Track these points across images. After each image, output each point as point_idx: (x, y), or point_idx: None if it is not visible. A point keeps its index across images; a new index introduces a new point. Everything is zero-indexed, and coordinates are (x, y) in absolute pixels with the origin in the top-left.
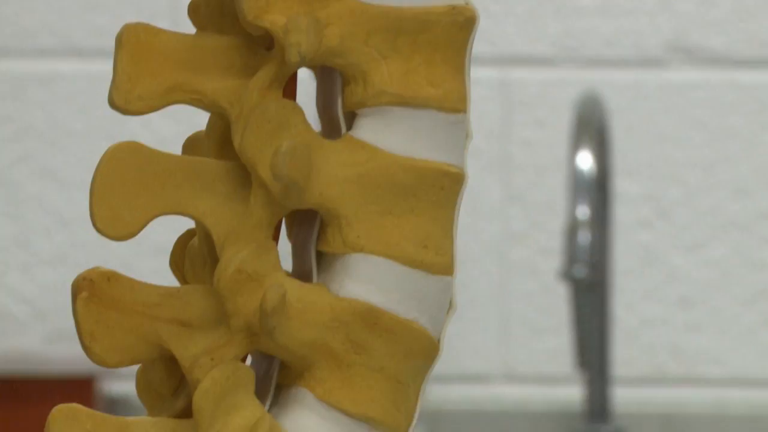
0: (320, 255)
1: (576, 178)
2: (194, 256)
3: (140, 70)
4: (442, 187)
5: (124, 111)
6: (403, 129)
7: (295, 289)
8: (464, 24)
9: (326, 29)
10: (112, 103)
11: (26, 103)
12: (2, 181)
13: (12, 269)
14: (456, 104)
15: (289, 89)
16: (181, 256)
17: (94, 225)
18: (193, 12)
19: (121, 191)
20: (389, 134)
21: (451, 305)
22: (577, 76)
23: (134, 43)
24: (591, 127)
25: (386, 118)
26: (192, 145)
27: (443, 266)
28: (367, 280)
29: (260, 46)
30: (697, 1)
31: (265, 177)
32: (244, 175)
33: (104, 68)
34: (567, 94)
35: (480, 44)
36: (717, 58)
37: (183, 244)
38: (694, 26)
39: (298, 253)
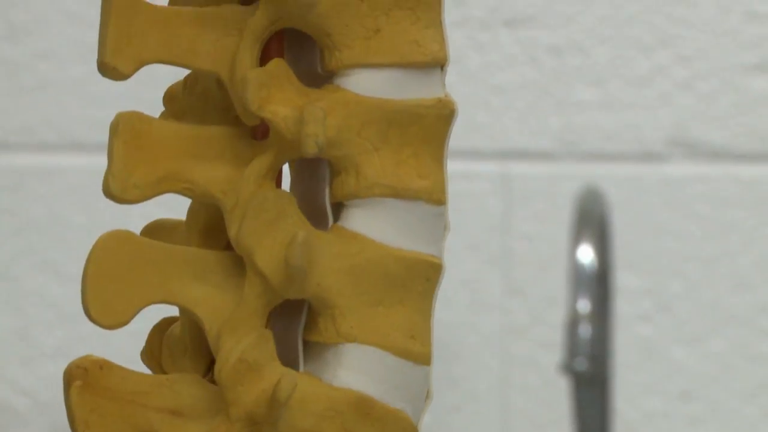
0: (306, 344)
1: (577, 271)
2: (174, 345)
3: (135, 159)
4: (428, 279)
5: (120, 199)
6: (393, 220)
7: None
8: (448, 116)
9: (326, 121)
10: (108, 191)
11: (27, 196)
12: (3, 274)
13: (13, 362)
14: (441, 196)
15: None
16: (158, 345)
17: (87, 314)
18: (170, 101)
19: (114, 280)
20: (380, 225)
21: (428, 395)
22: (578, 170)
23: (129, 132)
24: (591, 221)
25: (377, 210)
26: (155, 231)
27: (426, 357)
28: (360, 370)
29: (248, 135)
30: (697, 96)
31: (264, 267)
32: (232, 264)
33: (105, 163)
34: (567, 188)
35: (480, 138)
36: (717, 152)
37: (160, 332)
38: (695, 120)
39: (280, 342)
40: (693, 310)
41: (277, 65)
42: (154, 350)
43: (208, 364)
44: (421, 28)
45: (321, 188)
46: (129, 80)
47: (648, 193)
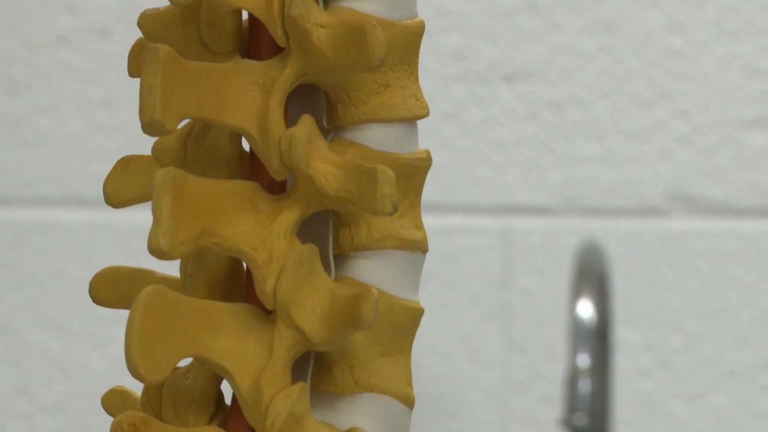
0: (314, 393)
1: (576, 326)
2: (178, 396)
3: (180, 215)
4: (417, 327)
5: (168, 256)
6: (396, 270)
7: (324, 429)
8: (429, 168)
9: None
10: (157, 248)
11: (27, 251)
12: (3, 329)
13: (12, 418)
14: (427, 245)
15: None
16: (156, 396)
17: (134, 369)
18: (162, 153)
19: (156, 335)
20: (385, 276)
21: None
22: (578, 224)
23: (173, 188)
24: (591, 275)
25: (383, 261)
26: (114, 280)
27: (414, 401)
28: (377, 419)
29: (262, 189)
30: (697, 151)
31: (302, 321)
32: (247, 317)
33: (104, 217)
34: (567, 242)
35: (480, 193)
36: (717, 207)
37: (158, 385)
38: (695, 175)
39: None
40: (693, 366)
41: (311, 122)
42: (153, 401)
43: (210, 416)
44: (415, 82)
45: (324, 239)
46: (126, 135)
47: (648, 248)
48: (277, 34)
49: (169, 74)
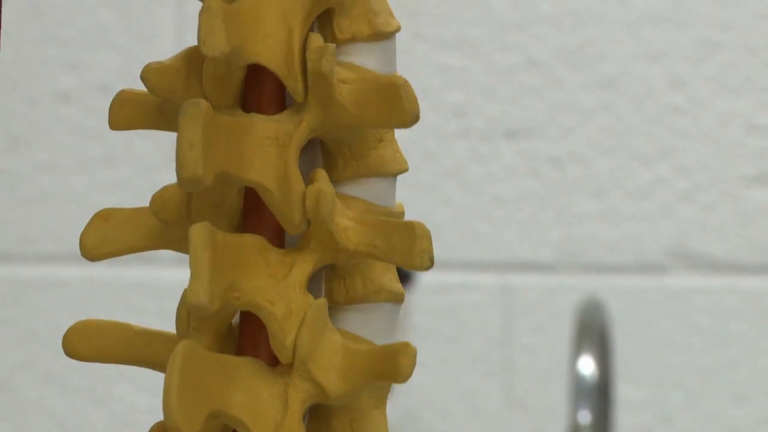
0: None
1: (577, 383)
2: None
3: (214, 270)
4: None
5: (207, 310)
6: (383, 322)
7: None
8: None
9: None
10: (198, 302)
11: (28, 307)
12: (4, 386)
13: None
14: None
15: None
16: None
17: (174, 425)
18: (162, 207)
19: (190, 390)
20: (375, 328)
21: None
22: (578, 281)
23: (210, 242)
24: (592, 332)
25: (374, 313)
26: (94, 334)
27: None
28: None
29: (270, 243)
30: (697, 208)
31: (320, 375)
32: (255, 370)
33: (105, 274)
34: (568, 299)
35: (480, 250)
36: (718, 264)
37: None
38: (695, 232)
39: None
40: (694, 423)
41: (327, 177)
42: None
43: None
44: (394, 136)
45: (316, 291)
46: (127, 192)
47: (648, 304)
48: (296, 88)
49: (206, 129)
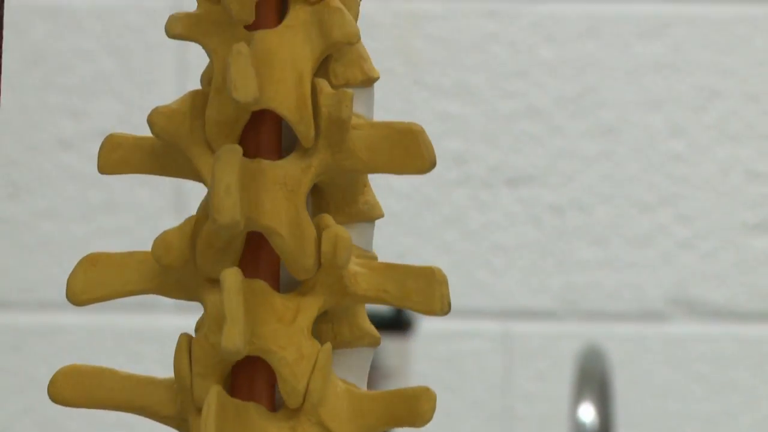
0: None
1: (578, 430)
2: None
3: (245, 315)
4: None
5: (241, 355)
6: (362, 365)
7: None
8: None
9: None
10: (236, 348)
11: (28, 355)
12: None
13: None
14: None
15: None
16: None
17: None
18: (167, 251)
19: None
20: (360, 372)
21: None
22: (579, 329)
23: (241, 290)
24: (593, 379)
25: (361, 357)
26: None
27: None
28: None
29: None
30: (697, 255)
31: (329, 419)
32: (262, 413)
33: (105, 321)
34: (569, 346)
35: (482, 297)
36: (718, 311)
37: None
38: (696, 279)
39: None
40: None
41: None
42: None
43: None
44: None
45: None
46: (127, 238)
47: (649, 352)
48: (308, 134)
49: (240, 174)
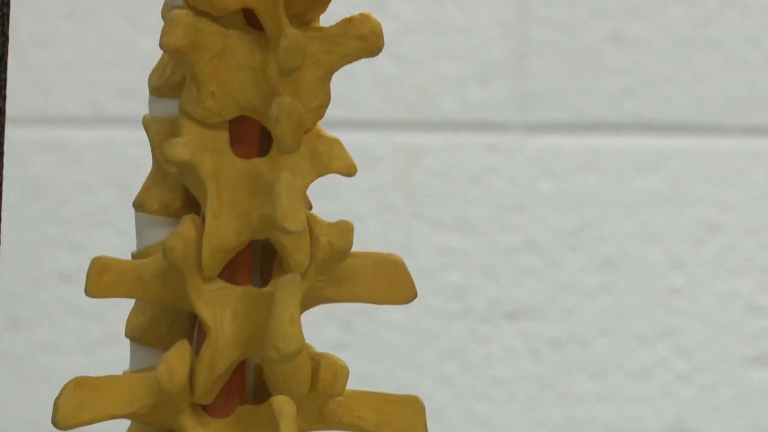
0: None
1: None
2: None
3: None
4: None
5: None
6: None
7: None
8: None
9: None
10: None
11: None
12: None
13: None
14: None
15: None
16: None
17: None
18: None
19: None
20: None
21: None
22: None
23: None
24: None
25: None
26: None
27: None
28: None
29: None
30: (697, 389)
31: None
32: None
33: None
34: None
35: (481, 431)
36: None
37: None
38: (695, 413)
39: None
40: None
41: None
42: None
43: None
44: None
45: None
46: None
47: None
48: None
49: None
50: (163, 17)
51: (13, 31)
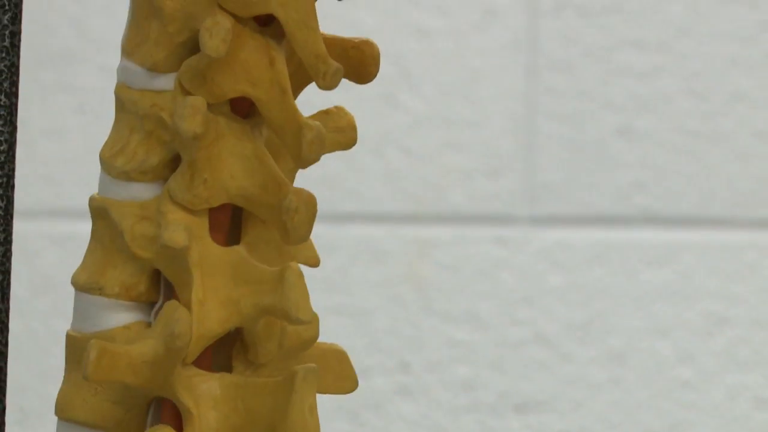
0: None
1: None
2: None
3: None
4: None
5: None
6: None
7: None
8: None
9: None
10: None
11: None
12: None
13: None
14: None
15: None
16: None
17: None
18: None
19: None
20: None
21: None
22: None
23: None
24: None
25: None
26: None
27: None
28: None
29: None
30: None
31: None
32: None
33: None
34: None
35: None
36: None
37: None
38: None
39: None
40: None
41: None
42: None
43: None
44: None
45: None
46: None
47: None
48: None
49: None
50: (117, 95)
51: (23, 125)
